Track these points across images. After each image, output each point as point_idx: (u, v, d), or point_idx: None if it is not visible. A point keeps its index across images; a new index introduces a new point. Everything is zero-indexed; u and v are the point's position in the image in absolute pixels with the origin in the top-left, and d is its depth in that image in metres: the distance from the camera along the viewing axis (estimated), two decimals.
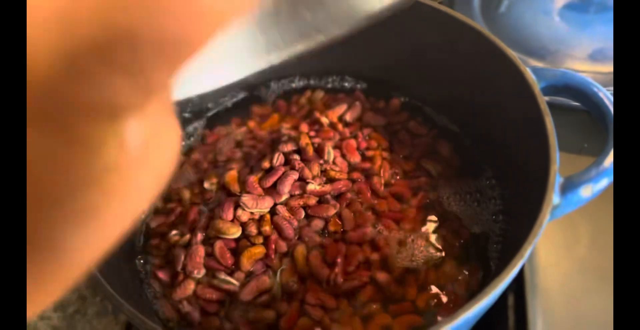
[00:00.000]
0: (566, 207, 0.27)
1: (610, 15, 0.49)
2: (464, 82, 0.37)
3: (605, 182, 0.28)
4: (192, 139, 0.42)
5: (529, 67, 0.33)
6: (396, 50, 0.40)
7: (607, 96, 0.30)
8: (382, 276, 0.34)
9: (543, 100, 0.31)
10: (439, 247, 0.35)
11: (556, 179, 0.27)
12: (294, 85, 0.45)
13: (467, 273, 0.34)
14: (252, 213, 0.35)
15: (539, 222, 0.25)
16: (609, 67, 0.46)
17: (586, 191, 0.27)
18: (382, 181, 0.38)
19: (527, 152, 0.32)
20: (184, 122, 0.42)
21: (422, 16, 0.37)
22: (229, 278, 0.33)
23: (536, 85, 0.32)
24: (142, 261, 0.36)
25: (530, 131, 0.31)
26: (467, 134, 0.40)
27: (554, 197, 0.27)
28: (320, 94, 0.44)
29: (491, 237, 0.35)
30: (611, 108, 0.30)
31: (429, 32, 0.38)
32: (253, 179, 0.36)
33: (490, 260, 0.34)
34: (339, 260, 0.34)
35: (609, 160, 0.28)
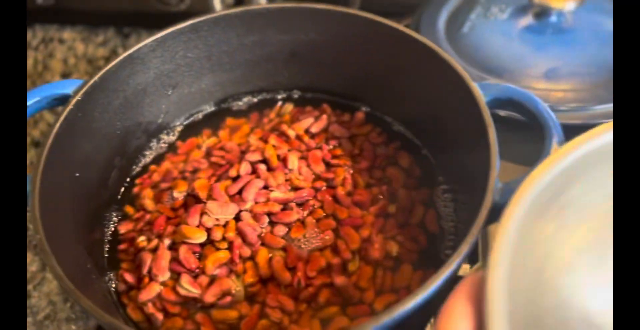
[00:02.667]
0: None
1: (565, 37, 0.52)
2: (423, 97, 0.40)
3: None
4: (163, 148, 0.44)
5: (477, 83, 0.35)
6: (361, 67, 0.43)
7: (545, 109, 0.33)
8: (340, 280, 0.35)
9: (487, 111, 0.33)
10: (396, 252, 0.37)
11: (496, 184, 0.30)
12: (264, 98, 0.47)
13: (422, 276, 0.36)
14: (217, 219, 0.36)
15: (477, 222, 0.27)
16: (561, 85, 0.49)
17: None
18: (345, 191, 0.40)
19: (475, 162, 0.34)
20: (152, 134, 0.43)
21: (383, 35, 0.39)
22: (190, 286, 0.34)
23: (482, 99, 0.34)
24: (110, 276, 0.37)
25: (478, 142, 0.34)
26: (425, 145, 0.42)
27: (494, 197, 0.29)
28: (289, 107, 0.46)
29: (444, 242, 0.37)
30: (549, 120, 0.32)
31: (391, 50, 0.40)
32: (219, 186, 0.38)
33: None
34: (299, 265, 0.35)
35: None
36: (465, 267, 0.39)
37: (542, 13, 0.54)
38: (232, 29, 0.41)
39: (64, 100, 0.35)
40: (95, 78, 0.36)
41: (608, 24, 0.53)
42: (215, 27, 0.40)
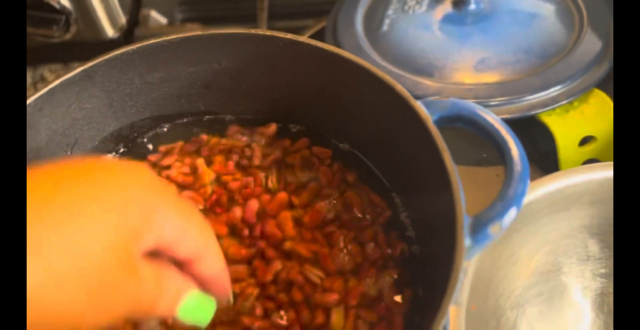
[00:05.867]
0: (477, 248, 0.27)
1: (486, 25, 0.50)
2: (364, 118, 0.36)
3: (513, 213, 0.28)
4: None
5: (420, 101, 0.32)
6: (289, 91, 0.38)
7: (499, 123, 0.30)
8: None
9: (438, 135, 0.30)
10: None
11: (464, 220, 0.27)
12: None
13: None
14: None
15: (453, 277, 0.24)
16: (492, 77, 0.47)
17: (495, 229, 0.27)
18: None
19: (431, 186, 0.32)
20: None
21: (306, 55, 0.35)
22: None
23: (429, 120, 0.31)
24: None
25: (432, 167, 0.31)
26: (378, 167, 0.39)
27: (466, 240, 0.26)
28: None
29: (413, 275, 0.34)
30: (504, 135, 0.30)
31: (318, 69, 0.36)
32: None
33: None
34: None
35: (512, 191, 0.28)
36: None
37: (460, 1, 0.51)
38: (131, 69, 0.35)
39: None
40: None
41: (526, 5, 0.52)
42: (112, 69, 0.34)
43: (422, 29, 0.51)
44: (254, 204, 0.36)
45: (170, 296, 0.21)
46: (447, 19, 0.51)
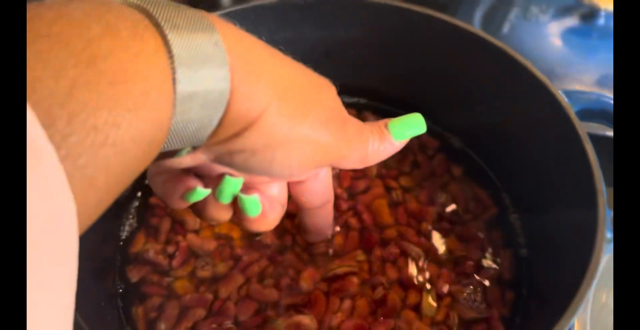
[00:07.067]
0: None
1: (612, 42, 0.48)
2: (489, 105, 0.34)
3: None
4: None
5: (560, 90, 0.30)
6: (410, 68, 0.37)
7: None
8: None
9: (580, 125, 0.28)
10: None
11: (606, 213, 0.24)
12: None
13: None
14: None
15: (590, 272, 0.22)
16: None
17: None
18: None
19: (560, 178, 0.29)
20: None
21: (442, 34, 0.34)
22: None
23: (570, 109, 0.29)
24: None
25: (563, 159, 0.28)
26: (488, 164, 0.37)
27: (608, 233, 0.24)
28: None
29: (523, 295, 0.31)
30: None
31: (450, 50, 0.35)
32: None
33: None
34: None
35: None
36: None
37: (590, 14, 0.49)
38: (263, 23, 0.35)
39: None
40: None
41: None
42: (244, 20, 0.34)
43: (545, 37, 0.49)
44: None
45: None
46: (571, 31, 0.49)
